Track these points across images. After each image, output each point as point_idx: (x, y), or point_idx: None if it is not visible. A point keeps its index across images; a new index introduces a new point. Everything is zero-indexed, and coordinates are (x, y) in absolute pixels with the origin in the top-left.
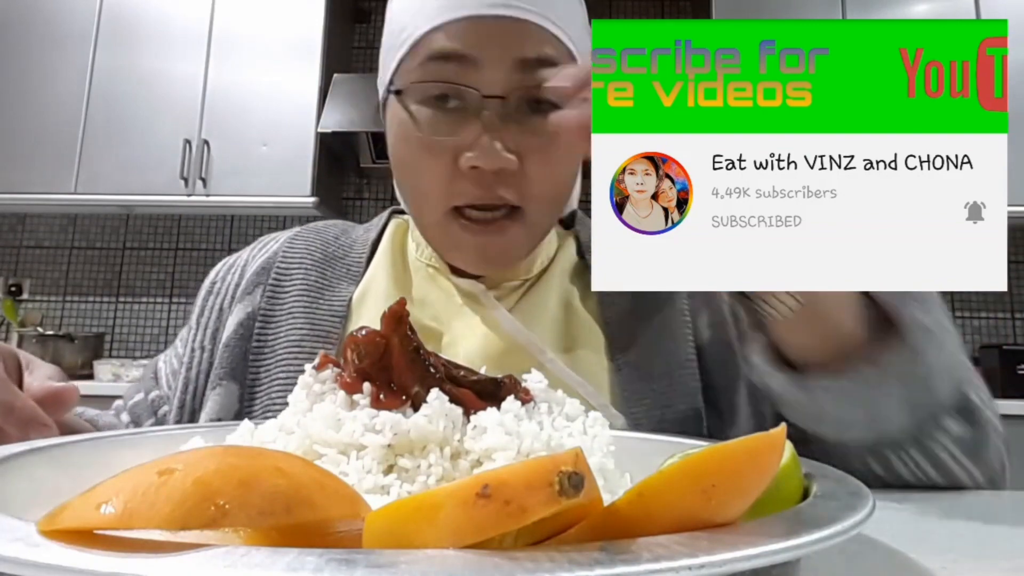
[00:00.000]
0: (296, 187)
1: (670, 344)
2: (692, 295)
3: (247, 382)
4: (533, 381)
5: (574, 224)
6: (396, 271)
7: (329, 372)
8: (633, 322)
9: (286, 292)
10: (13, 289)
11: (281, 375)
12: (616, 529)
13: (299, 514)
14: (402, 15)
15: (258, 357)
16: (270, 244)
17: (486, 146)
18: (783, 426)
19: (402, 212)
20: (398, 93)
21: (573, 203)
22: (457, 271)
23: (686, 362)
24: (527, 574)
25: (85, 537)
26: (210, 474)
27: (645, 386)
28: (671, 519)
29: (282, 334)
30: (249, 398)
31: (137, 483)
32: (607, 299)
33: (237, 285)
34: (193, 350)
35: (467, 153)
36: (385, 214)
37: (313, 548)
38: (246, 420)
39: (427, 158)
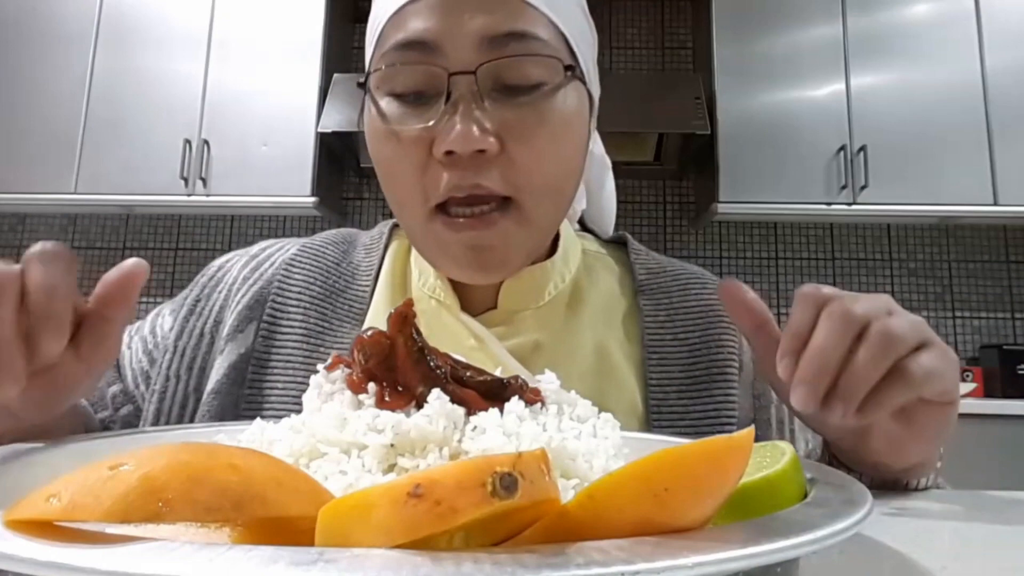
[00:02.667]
0: (296, 187)
1: (713, 435)
2: (741, 379)
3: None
4: (546, 382)
5: (626, 249)
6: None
7: (339, 372)
8: (679, 398)
9: (283, 334)
10: None
11: None
12: (568, 532)
13: (250, 511)
14: (376, 8)
15: (251, 407)
16: (264, 267)
17: (458, 128)
18: (750, 429)
19: None
20: (365, 87)
21: (581, 202)
22: (464, 303)
23: None
24: None
25: (44, 528)
26: (158, 469)
27: None
28: (624, 523)
29: (279, 385)
30: None
31: (87, 477)
32: (655, 358)
33: (223, 308)
34: (168, 377)
35: (439, 139)
36: (387, 229)
37: (267, 545)
38: (259, 419)
39: (400, 151)
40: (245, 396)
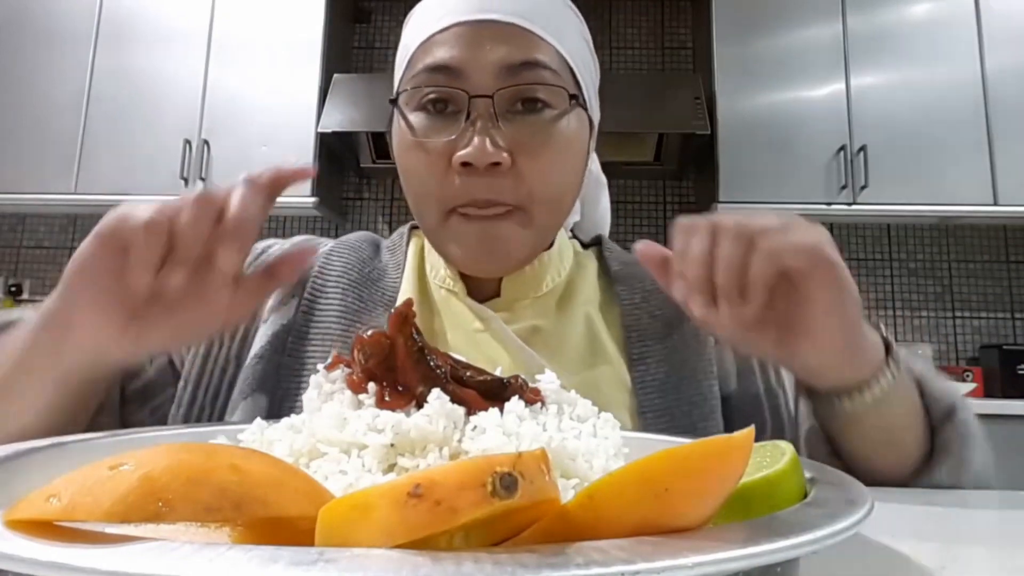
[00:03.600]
0: (296, 187)
1: (695, 395)
2: (718, 344)
3: (277, 397)
4: (546, 382)
5: (601, 248)
6: (419, 301)
7: (339, 372)
8: (659, 366)
9: (322, 310)
10: (13, 289)
11: None
12: (568, 532)
13: (250, 511)
14: (407, 37)
15: (289, 373)
16: None
17: (475, 143)
18: (750, 429)
19: (419, 227)
20: (396, 103)
21: (576, 215)
22: (470, 291)
23: (709, 414)
24: None
25: (44, 528)
26: (159, 470)
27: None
28: (625, 523)
29: (317, 355)
30: (277, 413)
31: (87, 477)
32: (635, 335)
33: None
34: (212, 341)
35: (459, 152)
36: (405, 231)
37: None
38: (258, 419)
39: (423, 160)
40: (284, 363)
